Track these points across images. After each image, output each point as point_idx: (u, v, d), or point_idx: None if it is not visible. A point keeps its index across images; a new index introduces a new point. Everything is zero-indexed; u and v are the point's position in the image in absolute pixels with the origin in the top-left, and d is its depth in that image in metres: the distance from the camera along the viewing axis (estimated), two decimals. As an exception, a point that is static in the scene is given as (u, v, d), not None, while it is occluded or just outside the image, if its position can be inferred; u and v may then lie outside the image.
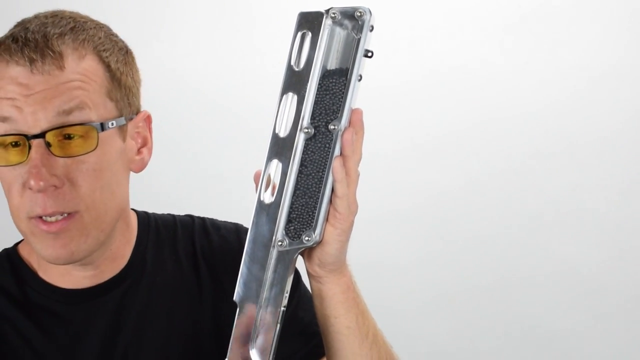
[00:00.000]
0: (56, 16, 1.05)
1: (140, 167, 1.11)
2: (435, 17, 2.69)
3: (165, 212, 1.24)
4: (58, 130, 1.00)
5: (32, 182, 0.99)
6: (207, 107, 2.70)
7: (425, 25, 2.69)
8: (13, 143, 1.01)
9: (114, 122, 1.04)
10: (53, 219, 1.02)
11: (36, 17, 1.06)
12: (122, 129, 1.06)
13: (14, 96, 1.00)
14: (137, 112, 1.10)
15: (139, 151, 1.11)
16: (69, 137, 1.01)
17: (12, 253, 1.14)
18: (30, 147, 0.99)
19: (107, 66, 1.05)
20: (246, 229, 1.24)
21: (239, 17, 2.70)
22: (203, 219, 1.23)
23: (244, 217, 1.25)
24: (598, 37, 2.63)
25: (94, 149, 1.01)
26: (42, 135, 0.99)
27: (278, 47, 2.52)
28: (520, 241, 2.68)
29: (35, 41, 1.01)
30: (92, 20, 1.08)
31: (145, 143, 1.12)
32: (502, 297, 2.69)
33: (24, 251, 1.14)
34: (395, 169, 2.66)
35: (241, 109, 2.68)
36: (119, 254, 1.13)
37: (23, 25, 1.05)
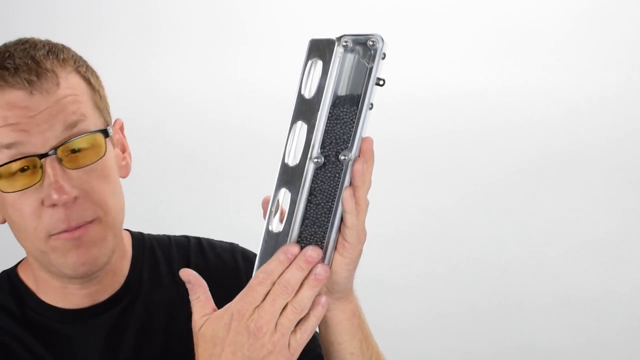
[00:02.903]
0: (27, 42, 1.08)
1: (126, 172, 1.15)
2: (436, 36, 2.68)
3: (161, 232, 1.23)
4: (67, 145, 1.02)
5: (55, 197, 1.00)
6: (203, 127, 2.69)
7: (426, 45, 2.69)
8: (22, 169, 1.01)
9: (110, 129, 1.08)
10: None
11: (6, 46, 1.07)
12: (110, 136, 1.09)
13: (17, 120, 1.01)
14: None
15: (122, 157, 1.14)
16: (75, 150, 1.03)
17: (12, 274, 1.15)
18: (41, 167, 1.01)
19: (87, 81, 1.08)
20: (242, 249, 1.24)
21: (234, 37, 2.69)
22: (199, 239, 1.24)
23: (241, 237, 1.24)
24: (606, 59, 2.64)
25: (103, 155, 1.05)
26: (53, 151, 1.01)
27: (277, 66, 2.54)
28: (519, 261, 2.69)
29: (26, 65, 1.03)
30: (56, 43, 1.10)
31: (124, 149, 1.15)
32: (500, 316, 2.70)
33: (22, 273, 1.14)
34: (394, 188, 2.65)
35: (239, 127, 2.68)
36: (117, 268, 1.14)
37: (1, 58, 1.05)
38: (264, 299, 0.89)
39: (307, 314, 0.91)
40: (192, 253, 1.21)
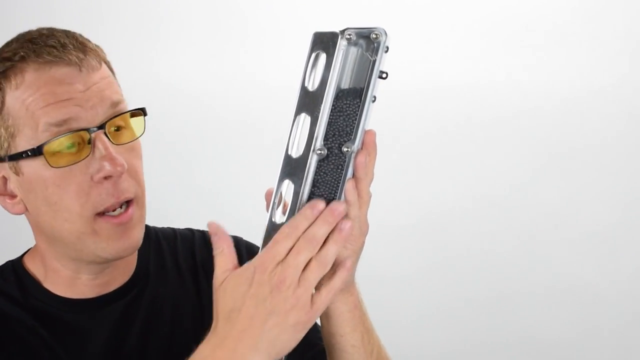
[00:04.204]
0: (52, 29, 1.08)
1: None
2: (438, 32, 2.69)
3: (165, 225, 1.24)
4: (113, 121, 1.04)
5: (109, 168, 1.02)
6: (205, 120, 2.70)
7: (428, 41, 2.69)
8: (70, 145, 1.02)
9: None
10: (116, 212, 1.05)
11: (30, 32, 1.08)
12: None
13: (70, 96, 1.02)
14: None
15: None
16: (118, 128, 1.05)
17: (17, 265, 1.15)
18: (90, 142, 1.02)
19: (111, 69, 1.10)
20: (246, 242, 1.25)
21: (236, 32, 2.70)
22: (203, 232, 1.25)
23: (243, 230, 1.24)
24: (601, 53, 2.64)
25: (143, 133, 1.07)
26: (102, 126, 1.03)
27: (280, 60, 2.54)
28: (518, 254, 2.69)
29: (72, 44, 1.04)
30: None
31: None
32: (500, 309, 2.70)
33: (29, 263, 1.14)
34: (396, 182, 2.66)
35: (241, 123, 2.69)
36: (129, 258, 1.15)
37: (29, 37, 1.06)
38: (287, 254, 0.88)
39: (333, 274, 0.90)
40: (197, 246, 1.22)
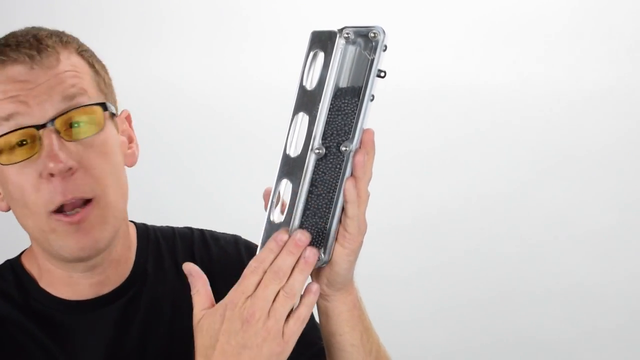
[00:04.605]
0: (34, 27, 1.10)
1: (132, 161, 1.14)
2: (439, 31, 2.69)
3: (164, 224, 1.23)
4: (65, 117, 1.02)
5: (51, 165, 1.00)
6: (204, 119, 2.70)
7: (428, 41, 2.69)
8: (20, 142, 1.02)
9: (112, 106, 1.08)
10: (73, 211, 1.03)
11: (12, 33, 1.09)
12: (114, 120, 1.10)
13: (16, 93, 1.02)
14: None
15: (129, 146, 1.14)
16: (74, 125, 1.03)
17: (16, 264, 1.15)
18: (40, 139, 1.01)
19: (91, 64, 1.09)
20: (245, 240, 1.25)
21: (236, 32, 2.70)
22: (202, 231, 1.24)
23: (242, 229, 1.24)
24: (601, 54, 2.64)
25: (101, 129, 1.05)
26: (51, 122, 1.02)
27: (279, 60, 2.54)
28: (518, 254, 2.69)
29: (28, 42, 1.05)
30: (67, 33, 1.12)
31: (131, 140, 1.15)
32: (499, 309, 2.70)
33: (26, 262, 1.14)
34: (396, 182, 2.66)
35: (239, 122, 2.69)
36: (123, 258, 1.14)
37: (5, 38, 1.08)
38: (256, 288, 0.90)
39: (299, 302, 0.92)
40: (196, 245, 1.21)
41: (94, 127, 1.04)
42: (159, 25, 2.71)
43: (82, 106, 1.04)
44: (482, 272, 2.69)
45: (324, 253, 0.94)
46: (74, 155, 1.02)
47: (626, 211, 2.66)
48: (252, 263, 0.91)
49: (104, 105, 1.06)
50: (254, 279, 0.90)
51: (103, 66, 1.12)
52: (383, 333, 1.11)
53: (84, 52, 1.09)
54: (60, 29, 1.13)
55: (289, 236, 0.91)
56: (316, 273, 0.99)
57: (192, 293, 0.95)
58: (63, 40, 1.08)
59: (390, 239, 2.66)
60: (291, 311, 0.91)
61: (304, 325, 0.92)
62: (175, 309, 1.15)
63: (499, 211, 2.69)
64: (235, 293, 0.90)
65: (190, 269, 0.96)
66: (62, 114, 1.02)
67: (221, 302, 0.92)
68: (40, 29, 1.08)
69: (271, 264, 0.91)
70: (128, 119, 1.16)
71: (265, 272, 0.90)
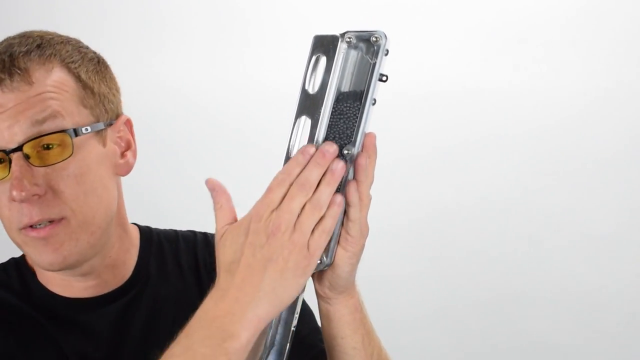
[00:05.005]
0: (23, 36, 1.08)
1: (126, 170, 1.13)
2: (440, 35, 2.69)
3: (167, 227, 1.24)
4: (35, 141, 1.02)
5: (14, 194, 1.01)
6: (206, 123, 2.71)
7: (429, 45, 2.69)
8: None
9: (88, 127, 1.06)
10: (41, 225, 1.04)
11: (5, 40, 1.09)
12: (100, 134, 1.08)
13: None
14: (117, 117, 1.12)
15: (122, 155, 1.13)
16: (47, 147, 1.03)
17: (20, 262, 1.16)
18: (10, 162, 1.01)
19: (77, 76, 1.07)
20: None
21: (238, 35, 2.70)
22: (205, 234, 1.26)
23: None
24: (601, 57, 2.64)
25: (70, 155, 1.03)
26: (19, 148, 1.01)
27: (281, 64, 2.54)
28: (518, 256, 2.69)
29: (2, 62, 1.04)
30: (60, 36, 1.11)
31: (128, 146, 1.14)
32: (499, 311, 2.70)
33: (30, 261, 1.15)
34: (395, 184, 2.66)
35: (242, 125, 2.69)
36: (120, 261, 1.14)
37: None
38: (282, 200, 0.88)
39: (323, 215, 0.89)
40: (199, 247, 1.22)
41: (66, 151, 1.03)
42: (162, 29, 2.71)
43: (49, 134, 1.02)
44: (482, 274, 2.69)
45: (326, 256, 0.95)
46: (43, 180, 1.02)
47: (628, 214, 2.66)
48: (278, 175, 0.89)
49: (74, 132, 1.04)
50: (280, 191, 0.88)
51: (98, 72, 1.11)
52: (383, 334, 1.12)
53: (70, 64, 1.07)
54: (64, 33, 1.13)
55: (316, 149, 0.89)
56: (318, 276, 1.00)
57: (215, 209, 0.94)
58: (46, 54, 1.06)
59: (390, 241, 2.66)
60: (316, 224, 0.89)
61: (328, 238, 0.90)
62: (178, 309, 1.15)
63: (499, 214, 2.69)
64: (261, 206, 0.88)
65: (213, 184, 0.95)
66: (31, 139, 1.02)
67: (245, 215, 0.89)
68: (23, 42, 1.07)
69: (297, 176, 0.88)
70: (128, 124, 1.14)
71: (291, 184, 0.88)
